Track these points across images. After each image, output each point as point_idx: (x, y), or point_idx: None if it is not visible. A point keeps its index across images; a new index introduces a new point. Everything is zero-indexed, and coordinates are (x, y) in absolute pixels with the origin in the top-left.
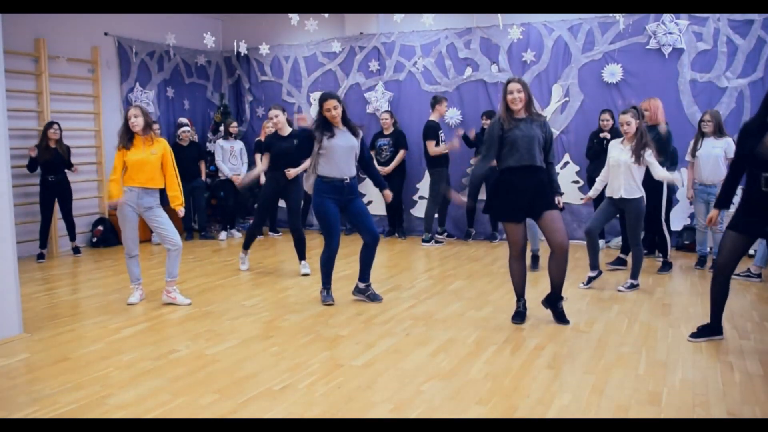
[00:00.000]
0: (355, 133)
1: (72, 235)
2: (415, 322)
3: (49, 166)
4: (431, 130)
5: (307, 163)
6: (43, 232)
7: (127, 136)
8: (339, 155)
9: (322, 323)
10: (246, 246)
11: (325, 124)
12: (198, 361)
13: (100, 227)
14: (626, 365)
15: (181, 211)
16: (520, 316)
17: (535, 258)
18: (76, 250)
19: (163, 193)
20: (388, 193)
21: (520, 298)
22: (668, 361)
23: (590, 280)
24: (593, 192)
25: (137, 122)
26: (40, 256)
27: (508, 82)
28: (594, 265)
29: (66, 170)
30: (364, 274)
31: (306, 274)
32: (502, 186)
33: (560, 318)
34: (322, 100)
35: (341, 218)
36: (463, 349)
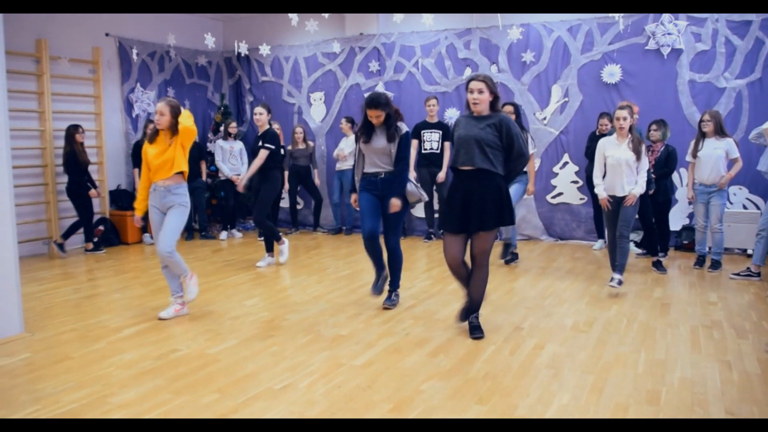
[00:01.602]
0: (388, 138)
1: (89, 235)
2: (415, 322)
3: (87, 167)
4: (413, 131)
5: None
6: (86, 226)
7: (153, 131)
8: (372, 156)
9: (322, 323)
10: (269, 248)
11: (365, 127)
12: (199, 361)
13: (101, 227)
14: (625, 365)
15: (137, 220)
16: (466, 313)
17: (507, 246)
18: (96, 248)
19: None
20: (397, 202)
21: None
22: (667, 361)
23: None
24: (604, 193)
25: (161, 121)
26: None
27: (470, 80)
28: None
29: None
30: (391, 279)
31: (258, 267)
32: (450, 190)
33: (474, 330)
34: (368, 106)
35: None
36: (463, 349)
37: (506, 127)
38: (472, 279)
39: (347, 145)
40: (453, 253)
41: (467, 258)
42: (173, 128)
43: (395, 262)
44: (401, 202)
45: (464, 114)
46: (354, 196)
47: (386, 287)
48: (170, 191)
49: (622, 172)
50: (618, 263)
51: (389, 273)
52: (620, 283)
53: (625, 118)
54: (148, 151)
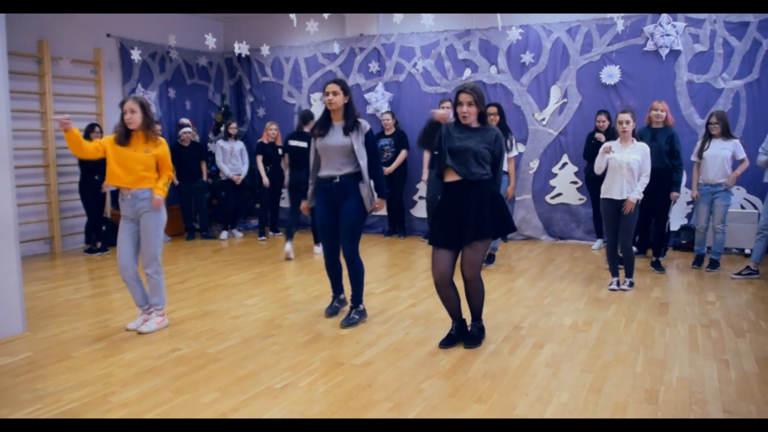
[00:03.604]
0: (345, 131)
1: (98, 235)
2: (414, 321)
3: (97, 166)
4: None
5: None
6: (90, 228)
7: (124, 133)
8: (329, 155)
9: (322, 322)
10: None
11: (323, 122)
12: (199, 360)
13: (103, 227)
14: (624, 364)
15: (156, 198)
16: (448, 340)
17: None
18: (103, 249)
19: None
20: (381, 201)
21: (455, 320)
22: (665, 360)
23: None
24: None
25: (133, 119)
26: (92, 250)
27: (459, 91)
28: (615, 272)
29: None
30: (352, 294)
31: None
32: (441, 202)
33: (470, 340)
34: (326, 83)
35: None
36: (462, 348)
37: (499, 144)
38: (468, 294)
39: None
40: (441, 269)
41: (457, 275)
42: (146, 127)
43: (354, 274)
44: (379, 202)
45: (451, 123)
46: (304, 203)
47: (347, 307)
48: (138, 197)
49: (623, 175)
50: (627, 269)
51: (351, 287)
52: (632, 285)
53: (627, 122)
54: (119, 151)
